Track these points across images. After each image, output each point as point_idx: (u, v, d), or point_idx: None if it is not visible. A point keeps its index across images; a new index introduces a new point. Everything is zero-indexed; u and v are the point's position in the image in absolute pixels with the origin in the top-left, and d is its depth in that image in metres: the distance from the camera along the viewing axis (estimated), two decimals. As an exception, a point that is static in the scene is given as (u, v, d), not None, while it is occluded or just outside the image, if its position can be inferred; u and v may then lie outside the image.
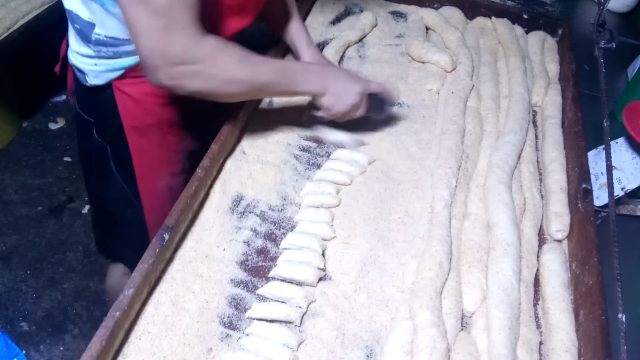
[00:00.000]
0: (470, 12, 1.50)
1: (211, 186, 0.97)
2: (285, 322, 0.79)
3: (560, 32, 1.48)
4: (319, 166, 1.05)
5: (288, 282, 0.84)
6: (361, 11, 1.48)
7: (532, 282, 0.90)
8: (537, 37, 1.44)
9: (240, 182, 0.99)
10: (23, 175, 2.27)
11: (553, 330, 0.82)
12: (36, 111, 2.56)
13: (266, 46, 1.20)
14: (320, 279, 0.85)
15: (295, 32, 1.18)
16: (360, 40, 1.39)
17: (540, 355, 0.82)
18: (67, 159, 2.37)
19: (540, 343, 0.83)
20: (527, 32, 1.47)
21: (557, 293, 0.87)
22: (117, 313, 0.70)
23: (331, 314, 0.81)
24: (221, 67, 0.84)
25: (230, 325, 0.79)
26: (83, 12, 0.93)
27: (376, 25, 1.44)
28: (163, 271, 0.83)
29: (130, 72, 0.99)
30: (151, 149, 1.10)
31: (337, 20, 1.45)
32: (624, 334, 0.78)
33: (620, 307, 0.80)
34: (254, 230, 0.92)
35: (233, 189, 0.98)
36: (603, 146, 1.13)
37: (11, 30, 1.83)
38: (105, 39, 0.94)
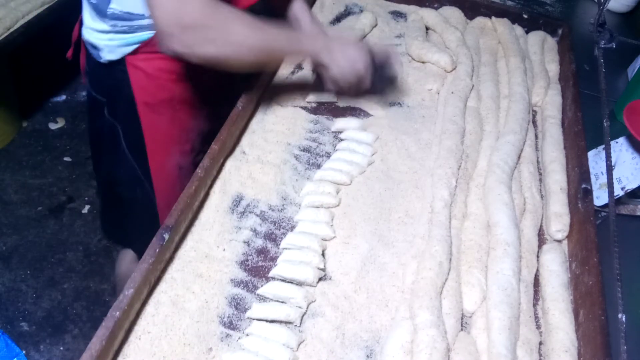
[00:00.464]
0: (470, 12, 1.50)
1: (211, 186, 0.97)
2: (285, 322, 0.79)
3: (560, 32, 1.48)
4: (319, 166, 1.05)
5: (288, 282, 0.84)
6: (361, 11, 1.48)
7: (532, 282, 0.90)
8: (537, 37, 1.44)
9: (240, 182, 0.99)
10: (23, 175, 2.27)
11: (553, 330, 0.82)
12: (36, 111, 2.56)
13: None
14: (320, 279, 0.85)
15: (298, 9, 1.19)
16: (360, 40, 1.39)
17: (540, 355, 0.82)
18: (67, 159, 2.37)
19: (540, 343, 0.83)
20: (527, 32, 1.47)
21: (557, 293, 0.87)
22: (117, 313, 0.70)
23: (331, 314, 0.81)
24: (233, 33, 0.86)
25: (230, 325, 0.79)
26: None
27: (376, 25, 1.44)
28: (163, 271, 0.83)
29: (143, 47, 1.02)
30: (163, 125, 1.12)
31: (337, 20, 1.45)
32: (624, 334, 0.78)
33: (620, 307, 0.80)
34: (254, 230, 0.92)
35: (233, 189, 0.98)
36: (603, 146, 1.13)
37: (11, 30, 1.83)
38: (120, 13, 0.97)
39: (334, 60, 1.02)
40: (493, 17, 1.48)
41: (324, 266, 0.87)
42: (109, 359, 0.71)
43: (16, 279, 1.91)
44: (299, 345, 0.77)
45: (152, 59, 1.04)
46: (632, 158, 1.10)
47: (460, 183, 1.02)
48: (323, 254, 0.88)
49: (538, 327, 0.86)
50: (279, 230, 0.93)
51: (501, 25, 1.43)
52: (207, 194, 0.96)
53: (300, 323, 0.80)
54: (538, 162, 1.14)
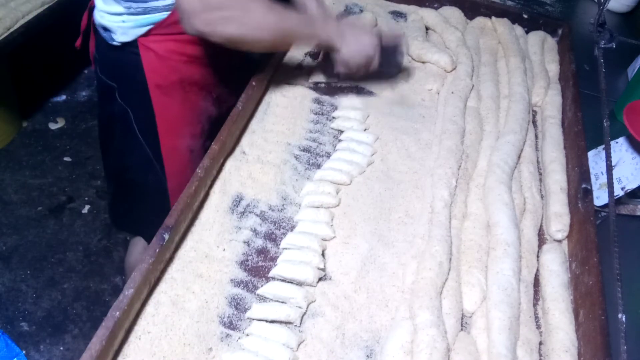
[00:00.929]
0: (470, 12, 1.50)
1: (211, 186, 0.97)
2: (285, 322, 0.79)
3: (560, 32, 1.48)
4: (319, 166, 1.05)
5: (288, 282, 0.84)
6: (361, 11, 1.48)
7: (532, 282, 0.90)
8: (537, 37, 1.44)
9: (240, 182, 0.99)
10: (23, 175, 2.27)
11: (553, 330, 0.82)
12: (36, 111, 2.56)
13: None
14: (320, 279, 0.85)
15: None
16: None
17: (540, 355, 0.82)
18: (67, 159, 2.37)
19: (540, 343, 0.83)
20: (527, 32, 1.47)
21: (557, 293, 0.87)
22: (117, 313, 0.70)
23: (331, 314, 0.81)
24: (253, 14, 0.94)
25: (230, 325, 0.79)
26: None
27: (376, 25, 1.44)
28: (163, 271, 0.83)
29: (156, 29, 1.04)
30: (174, 107, 1.14)
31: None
32: (624, 334, 0.78)
33: (620, 307, 0.80)
34: (254, 230, 0.92)
35: (233, 189, 0.98)
36: (603, 146, 1.13)
37: (11, 30, 1.83)
38: None
39: (345, 44, 1.06)
40: (493, 17, 1.48)
41: (324, 266, 0.86)
42: (109, 359, 0.71)
43: (16, 279, 1.91)
44: (299, 345, 0.77)
45: (164, 41, 1.06)
46: (632, 158, 1.10)
47: (460, 183, 1.02)
48: (323, 254, 0.88)
49: (538, 327, 0.86)
50: (279, 230, 0.93)
51: (501, 25, 1.43)
52: (207, 194, 0.96)
53: (300, 323, 0.80)
54: (538, 162, 1.14)
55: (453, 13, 1.48)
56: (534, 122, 1.25)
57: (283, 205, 0.97)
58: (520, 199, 1.01)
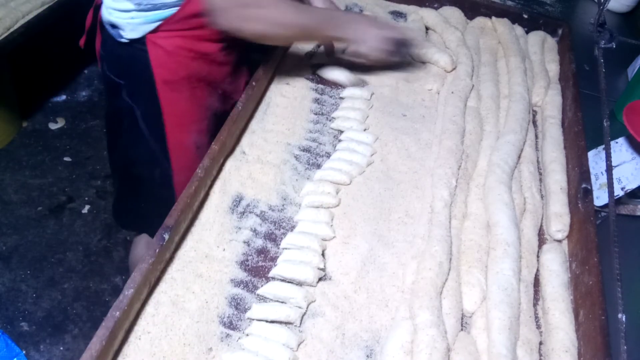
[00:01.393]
0: (470, 12, 1.50)
1: (211, 186, 0.97)
2: (285, 322, 0.79)
3: (560, 32, 1.48)
4: (319, 166, 1.05)
5: (288, 282, 0.84)
6: (361, 11, 1.48)
7: (532, 282, 0.90)
8: (537, 37, 1.44)
9: (240, 182, 0.99)
10: (23, 175, 2.27)
11: (553, 330, 0.82)
12: (36, 111, 2.56)
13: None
14: (320, 279, 0.85)
15: None
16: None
17: (540, 355, 0.82)
18: (67, 159, 2.37)
19: (540, 343, 0.83)
20: (527, 32, 1.47)
21: (557, 293, 0.87)
22: (117, 313, 0.70)
23: (331, 314, 0.81)
24: (282, 13, 0.99)
25: (230, 325, 0.79)
26: None
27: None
28: (163, 271, 0.83)
29: (164, 25, 1.05)
30: (181, 103, 1.15)
31: (337, 20, 1.44)
32: (624, 334, 0.78)
33: (620, 307, 0.80)
34: (254, 230, 0.92)
35: (233, 189, 0.98)
36: (603, 146, 1.13)
37: (11, 30, 1.83)
38: None
39: (367, 42, 1.13)
40: (493, 17, 1.48)
41: (324, 266, 0.86)
42: (109, 359, 0.71)
43: (16, 279, 1.91)
44: (299, 345, 0.77)
45: (172, 37, 1.07)
46: (632, 158, 1.10)
47: (460, 183, 1.02)
48: (323, 254, 0.88)
49: (538, 327, 0.86)
50: (279, 230, 0.93)
51: (501, 25, 1.43)
52: (207, 194, 0.96)
53: (300, 323, 0.80)
54: (538, 162, 1.14)
55: (453, 13, 1.48)
56: (534, 122, 1.25)
57: (283, 205, 0.97)
58: (520, 199, 1.01)
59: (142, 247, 1.44)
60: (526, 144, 1.14)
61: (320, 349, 0.77)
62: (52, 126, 2.51)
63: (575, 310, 0.86)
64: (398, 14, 1.50)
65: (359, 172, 1.03)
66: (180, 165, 1.21)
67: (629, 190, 1.07)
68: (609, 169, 1.01)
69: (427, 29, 1.45)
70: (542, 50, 1.41)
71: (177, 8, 1.03)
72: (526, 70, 1.30)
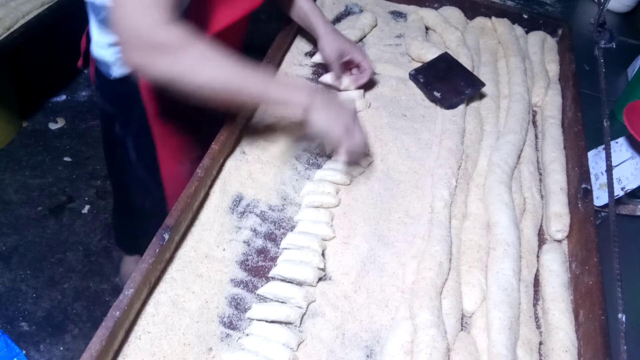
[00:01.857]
0: (470, 12, 1.49)
1: (211, 186, 0.97)
2: (285, 322, 0.79)
3: (560, 32, 1.48)
4: (319, 166, 1.05)
5: (288, 282, 0.84)
6: (361, 11, 1.48)
7: (532, 282, 0.90)
8: (537, 37, 1.44)
9: (240, 182, 0.99)
10: (23, 175, 2.27)
11: (553, 330, 0.82)
12: (36, 111, 2.56)
13: (275, 28, 1.22)
14: (320, 279, 0.85)
15: (308, 9, 1.18)
16: (360, 40, 1.39)
17: (540, 355, 0.82)
18: (67, 159, 2.37)
19: (540, 343, 0.83)
20: (527, 32, 1.47)
21: (557, 293, 0.87)
22: (117, 313, 0.70)
23: (331, 314, 0.81)
24: (187, 57, 0.78)
25: (230, 325, 0.79)
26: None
27: (376, 25, 1.44)
28: (163, 271, 0.83)
29: None
30: (174, 135, 1.13)
31: (337, 20, 1.45)
32: (624, 334, 0.78)
33: (620, 307, 0.80)
34: (254, 230, 0.92)
35: (233, 189, 0.98)
36: (603, 146, 1.13)
37: (11, 30, 1.83)
38: None
39: (316, 116, 0.89)
40: (493, 17, 1.48)
41: (324, 266, 0.86)
42: (109, 359, 0.71)
43: (16, 279, 1.91)
44: (299, 345, 0.77)
45: None
46: (632, 158, 1.10)
47: (460, 183, 1.02)
48: (323, 254, 0.88)
49: (538, 327, 0.86)
50: (279, 230, 0.93)
51: (501, 25, 1.43)
52: (207, 194, 0.96)
53: (300, 323, 0.80)
54: (538, 162, 1.14)
55: (453, 13, 1.48)
56: (534, 122, 1.25)
57: (283, 205, 0.97)
58: (520, 199, 1.01)
59: (132, 264, 1.44)
60: (526, 144, 1.14)
61: (320, 349, 0.77)
62: (52, 126, 2.51)
63: (575, 310, 0.86)
64: (398, 14, 1.50)
65: (359, 172, 1.03)
66: (174, 193, 1.20)
67: (629, 190, 1.07)
68: (609, 169, 1.01)
69: (427, 29, 1.45)
70: (542, 50, 1.41)
71: None
72: (526, 70, 1.30)
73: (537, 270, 0.93)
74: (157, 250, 0.78)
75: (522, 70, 1.28)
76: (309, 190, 0.98)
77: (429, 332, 0.75)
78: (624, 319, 0.79)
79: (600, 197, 1.08)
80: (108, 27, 0.99)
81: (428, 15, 1.45)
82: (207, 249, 0.88)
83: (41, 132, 2.48)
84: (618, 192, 1.07)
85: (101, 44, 1.02)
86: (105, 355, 0.69)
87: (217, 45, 0.82)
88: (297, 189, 1.00)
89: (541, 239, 0.99)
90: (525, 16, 1.48)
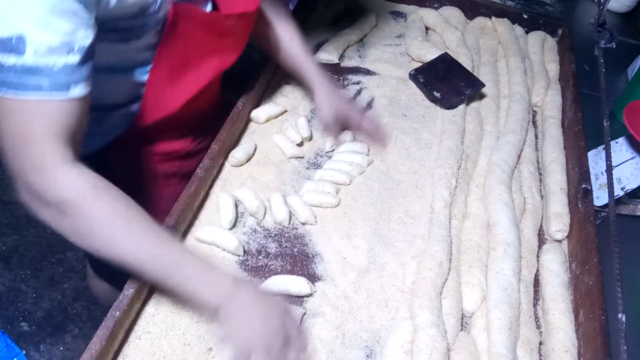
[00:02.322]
0: (470, 12, 1.49)
1: (211, 186, 0.97)
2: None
3: (560, 32, 1.48)
4: (319, 166, 1.05)
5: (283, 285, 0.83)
6: (361, 11, 1.48)
7: (532, 282, 0.90)
8: (537, 37, 1.44)
9: (240, 182, 0.99)
10: (23, 175, 2.27)
11: (553, 330, 0.82)
12: (36, 111, 2.56)
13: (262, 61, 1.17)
14: (320, 279, 0.85)
15: (299, 57, 1.07)
16: (360, 40, 1.39)
17: (540, 355, 0.82)
18: (67, 159, 2.37)
19: (540, 343, 0.83)
20: (527, 32, 1.47)
21: (557, 293, 0.87)
22: (117, 313, 0.70)
23: (331, 314, 0.81)
24: (74, 214, 0.65)
25: (230, 325, 0.79)
26: None
27: (376, 25, 1.44)
28: (163, 271, 0.82)
29: (122, 136, 0.94)
30: (157, 199, 1.06)
31: (337, 20, 1.44)
32: (624, 334, 0.78)
33: (620, 307, 0.80)
34: (254, 230, 0.92)
35: (233, 189, 0.98)
36: (603, 146, 1.13)
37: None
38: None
39: (226, 325, 0.69)
40: (493, 17, 1.48)
41: (324, 266, 0.86)
42: (109, 359, 0.71)
43: (16, 279, 1.90)
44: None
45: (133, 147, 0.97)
46: (632, 158, 1.10)
47: (460, 183, 1.02)
48: (323, 255, 0.88)
49: (538, 327, 0.86)
50: (279, 230, 0.93)
51: (501, 25, 1.43)
52: (207, 194, 0.95)
53: (300, 323, 0.80)
54: (538, 162, 1.14)
55: (453, 13, 1.48)
56: (534, 122, 1.25)
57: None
58: (520, 199, 1.01)
59: (101, 289, 1.39)
60: (526, 144, 1.14)
61: (320, 349, 0.77)
62: (52, 126, 2.51)
63: (575, 310, 0.86)
64: (398, 14, 1.50)
65: (359, 172, 1.03)
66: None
67: (629, 190, 1.07)
68: (609, 169, 1.01)
69: (427, 29, 1.45)
70: (542, 50, 1.41)
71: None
72: (526, 71, 1.30)
73: (537, 270, 0.93)
74: (157, 250, 0.78)
75: (522, 70, 1.28)
76: (309, 188, 0.97)
77: (429, 332, 0.75)
78: (624, 319, 0.79)
79: (600, 197, 1.08)
80: None
81: (428, 15, 1.45)
82: (207, 249, 0.87)
83: (41, 132, 2.48)
84: (618, 192, 1.07)
85: None
86: (105, 355, 0.69)
87: (125, 201, 0.66)
88: (297, 189, 1.00)
89: (541, 239, 0.99)
90: (525, 16, 1.48)
